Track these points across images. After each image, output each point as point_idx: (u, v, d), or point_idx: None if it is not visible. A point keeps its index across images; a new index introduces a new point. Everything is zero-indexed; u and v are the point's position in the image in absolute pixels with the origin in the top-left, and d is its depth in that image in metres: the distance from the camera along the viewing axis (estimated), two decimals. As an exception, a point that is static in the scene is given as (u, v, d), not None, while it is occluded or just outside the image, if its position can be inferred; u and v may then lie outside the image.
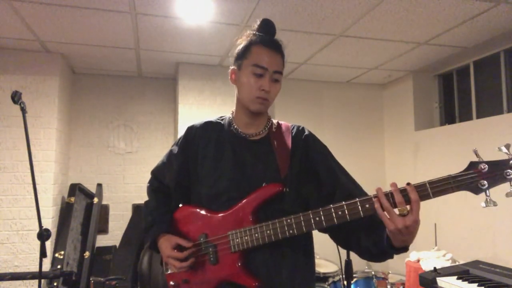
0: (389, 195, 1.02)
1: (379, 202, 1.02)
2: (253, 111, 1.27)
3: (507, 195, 0.94)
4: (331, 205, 1.09)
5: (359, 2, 2.75)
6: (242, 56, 1.28)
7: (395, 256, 1.13)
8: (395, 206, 1.01)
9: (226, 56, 3.92)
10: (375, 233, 1.12)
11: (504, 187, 0.97)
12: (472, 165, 0.99)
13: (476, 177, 0.97)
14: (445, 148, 3.91)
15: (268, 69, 1.23)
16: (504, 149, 0.95)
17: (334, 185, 1.24)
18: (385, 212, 1.02)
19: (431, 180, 1.00)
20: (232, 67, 1.32)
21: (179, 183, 1.37)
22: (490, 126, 3.40)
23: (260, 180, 1.23)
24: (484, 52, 3.71)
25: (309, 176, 1.26)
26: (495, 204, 0.96)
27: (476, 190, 0.98)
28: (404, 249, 1.08)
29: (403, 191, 1.01)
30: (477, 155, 0.99)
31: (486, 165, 0.96)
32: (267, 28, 1.29)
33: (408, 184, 1.01)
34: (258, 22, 1.30)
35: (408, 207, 1.00)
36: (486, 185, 0.96)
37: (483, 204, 0.97)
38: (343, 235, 1.22)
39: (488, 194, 0.97)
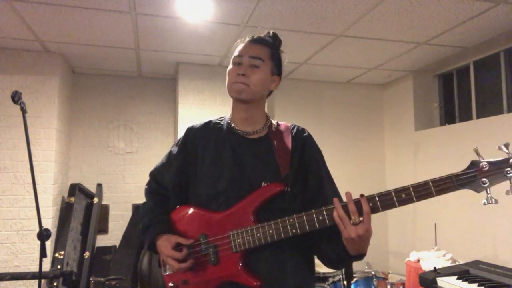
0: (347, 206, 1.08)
1: (336, 210, 1.08)
2: (233, 97, 1.31)
3: (507, 193, 0.98)
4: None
5: (359, 2, 2.75)
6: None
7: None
8: (349, 216, 1.06)
9: (226, 56, 3.92)
10: (334, 240, 1.16)
11: (504, 185, 0.99)
12: (473, 164, 1.01)
13: (478, 176, 1.00)
14: (445, 148, 3.91)
15: (243, 55, 1.29)
16: (504, 148, 0.98)
17: (317, 194, 1.26)
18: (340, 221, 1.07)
19: (434, 178, 1.02)
20: None
21: (177, 183, 1.36)
22: (490, 126, 3.40)
23: (259, 180, 1.23)
24: (484, 52, 3.71)
25: (300, 176, 1.27)
26: (496, 201, 0.98)
27: (478, 188, 1.01)
28: (360, 256, 1.14)
29: (357, 202, 1.07)
30: (477, 154, 1.02)
31: (487, 164, 0.99)
32: (255, 34, 1.37)
33: (362, 195, 1.07)
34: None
35: (361, 217, 1.06)
36: (487, 183, 0.99)
37: (485, 201, 1.00)
38: (308, 240, 1.23)
39: (489, 192, 1.00)
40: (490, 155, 1.03)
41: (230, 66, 1.33)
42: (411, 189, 1.03)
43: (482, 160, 1.00)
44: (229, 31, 3.28)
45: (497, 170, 0.98)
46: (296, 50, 3.73)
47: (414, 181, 1.04)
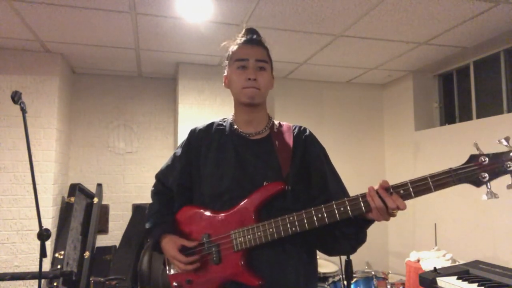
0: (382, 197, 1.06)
1: (373, 201, 1.06)
2: (245, 103, 1.29)
3: (508, 187, 0.95)
4: (333, 202, 1.11)
5: (359, 2, 2.75)
6: (227, 60, 1.35)
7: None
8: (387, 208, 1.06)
9: (226, 56, 3.92)
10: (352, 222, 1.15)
11: (505, 180, 0.97)
12: (473, 158, 0.99)
13: (477, 170, 0.98)
14: (445, 148, 3.91)
15: (249, 59, 1.27)
16: (505, 142, 0.95)
17: (322, 190, 1.26)
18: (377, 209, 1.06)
19: (432, 174, 1.01)
20: (224, 75, 1.39)
21: (181, 184, 1.38)
22: (490, 126, 3.40)
23: (262, 179, 1.24)
24: (484, 52, 3.71)
25: (303, 174, 1.28)
26: (496, 196, 0.96)
27: (477, 182, 0.98)
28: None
29: (392, 194, 1.05)
30: (477, 148, 1.00)
31: (487, 158, 0.97)
32: (248, 32, 1.36)
33: (392, 189, 1.05)
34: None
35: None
36: (487, 178, 0.97)
37: (485, 197, 0.97)
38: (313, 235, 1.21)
39: (489, 187, 0.97)
40: (490, 152, 1.02)
41: (230, 69, 1.32)
42: (409, 185, 1.03)
43: (482, 154, 0.98)
44: (229, 31, 3.27)
45: (497, 164, 0.96)
46: (296, 50, 3.73)
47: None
